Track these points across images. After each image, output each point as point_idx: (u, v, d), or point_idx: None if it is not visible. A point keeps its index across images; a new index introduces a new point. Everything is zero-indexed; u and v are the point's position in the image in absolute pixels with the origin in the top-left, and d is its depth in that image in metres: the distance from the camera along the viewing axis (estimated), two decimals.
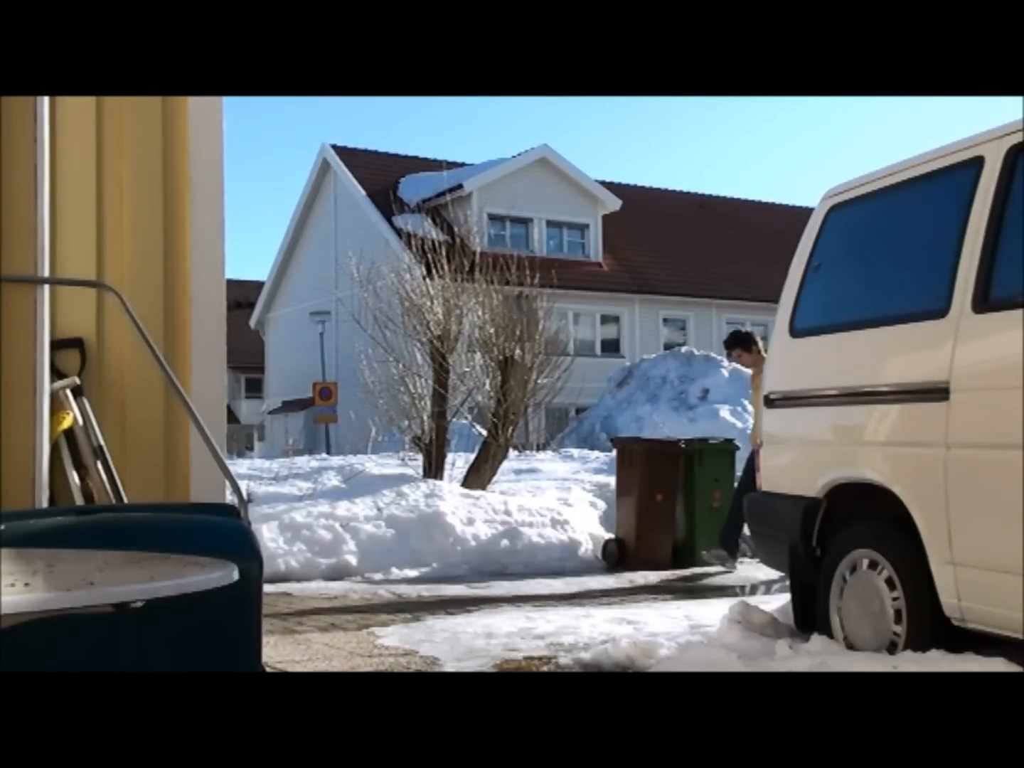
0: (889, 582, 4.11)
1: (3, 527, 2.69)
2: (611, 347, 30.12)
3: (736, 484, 8.29)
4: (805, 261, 4.88)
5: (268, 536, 7.89)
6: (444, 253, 11.42)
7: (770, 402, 4.97)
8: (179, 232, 4.08)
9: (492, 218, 27.29)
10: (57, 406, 3.80)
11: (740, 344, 8.40)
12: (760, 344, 8.38)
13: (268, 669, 4.19)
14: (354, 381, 14.77)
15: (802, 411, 4.77)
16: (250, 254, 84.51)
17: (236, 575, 1.96)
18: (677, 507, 8.74)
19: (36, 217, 3.65)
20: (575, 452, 14.92)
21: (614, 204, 30.69)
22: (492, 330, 10.82)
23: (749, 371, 9.11)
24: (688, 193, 35.59)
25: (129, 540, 2.59)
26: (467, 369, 11.18)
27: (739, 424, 15.15)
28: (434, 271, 11.55)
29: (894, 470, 4.12)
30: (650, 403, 17.43)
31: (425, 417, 10.86)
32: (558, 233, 30.36)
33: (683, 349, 20.05)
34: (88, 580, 1.79)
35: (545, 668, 4.79)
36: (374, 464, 11.75)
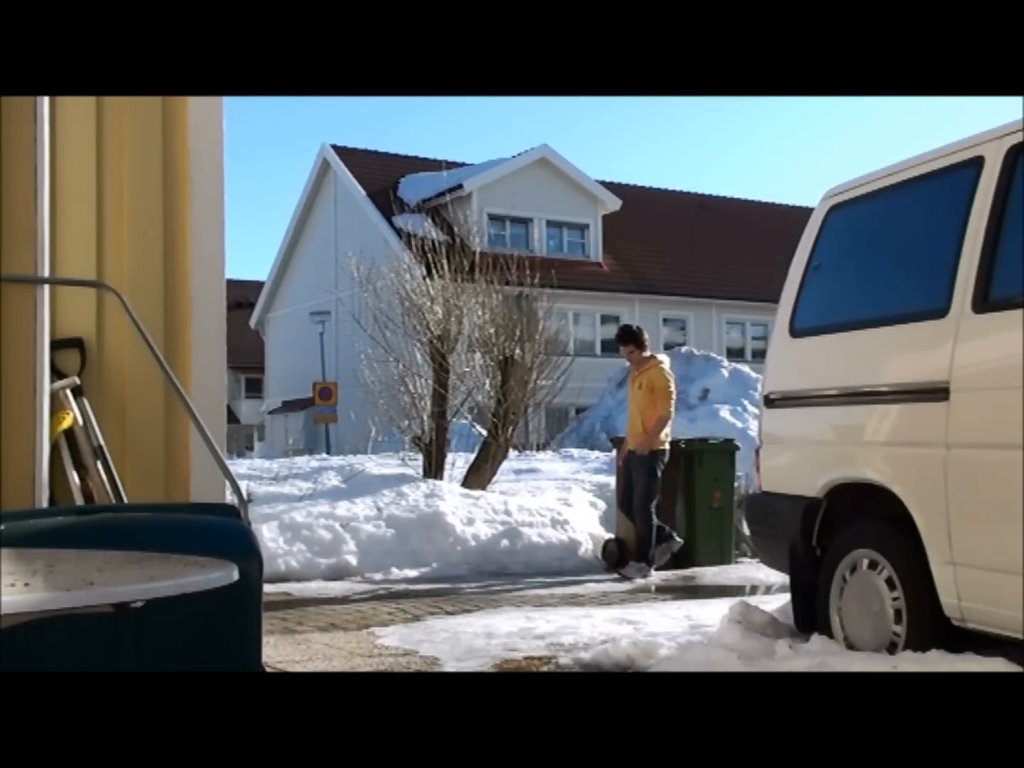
0: (889, 582, 4.11)
1: (3, 527, 2.69)
2: (611, 347, 30.05)
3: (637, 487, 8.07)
4: (805, 261, 4.88)
5: (268, 536, 7.88)
6: (444, 253, 11.41)
7: (770, 402, 4.98)
8: (179, 232, 4.08)
9: (492, 218, 27.26)
10: (57, 406, 3.80)
11: (634, 341, 8.22)
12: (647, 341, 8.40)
13: (268, 669, 4.19)
14: (354, 381, 14.76)
15: (802, 411, 4.77)
16: (250, 254, 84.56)
17: (236, 575, 1.96)
18: (677, 507, 8.74)
19: (36, 217, 3.65)
20: (575, 452, 14.91)
21: (614, 204, 30.68)
22: (492, 330, 10.81)
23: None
24: (688, 193, 35.57)
25: (129, 540, 2.59)
26: (467, 369, 11.18)
27: (739, 424, 15.14)
28: (434, 271, 11.54)
29: (894, 470, 4.12)
30: None
31: (425, 417, 10.86)
32: (558, 233, 30.35)
33: (683, 349, 20.04)
34: (88, 580, 1.79)
35: (545, 668, 4.79)
36: (374, 464, 11.75)
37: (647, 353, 8.31)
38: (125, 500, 3.81)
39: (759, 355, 23.51)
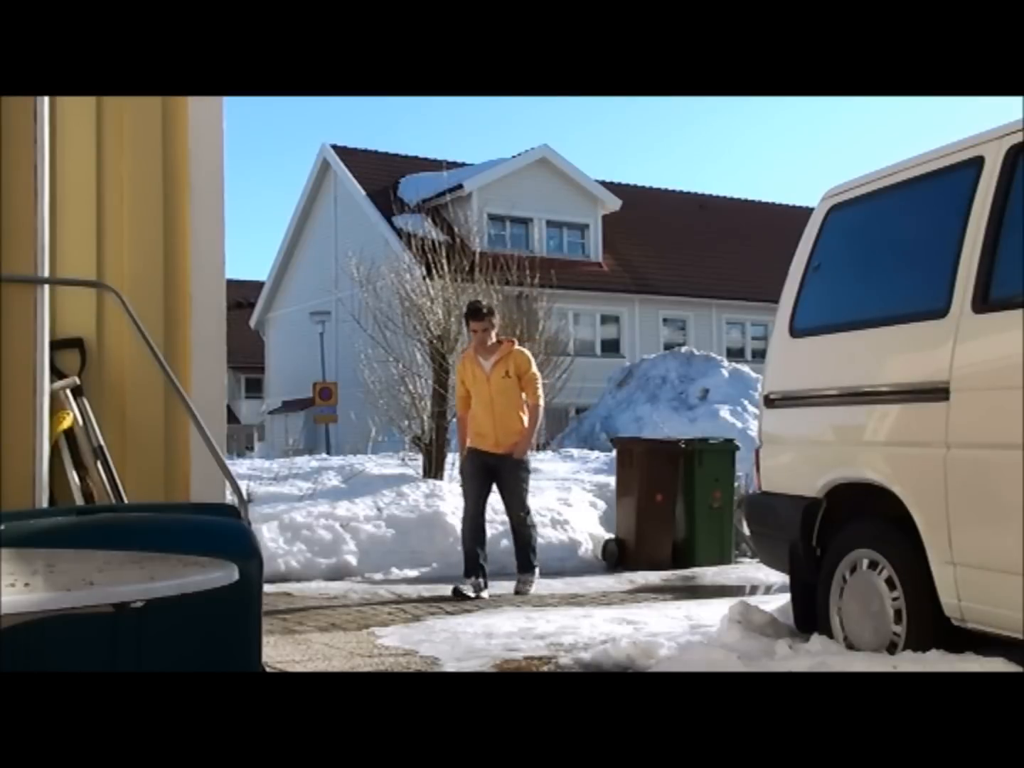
0: (889, 582, 4.11)
1: (3, 527, 2.69)
2: (611, 347, 30.11)
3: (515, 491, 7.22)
4: (805, 261, 4.88)
5: (268, 536, 7.88)
6: (444, 253, 11.43)
7: (770, 402, 4.98)
8: (179, 232, 4.08)
9: (492, 218, 27.25)
10: (57, 406, 3.80)
11: (492, 317, 7.20)
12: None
13: (268, 669, 4.19)
14: (354, 381, 14.78)
15: (802, 411, 4.77)
16: (250, 254, 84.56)
17: (236, 575, 1.96)
18: (677, 507, 8.74)
19: (36, 217, 3.66)
20: (575, 452, 14.88)
21: (614, 204, 30.67)
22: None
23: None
24: (688, 193, 35.55)
25: (129, 540, 2.59)
26: None
27: (739, 424, 15.12)
28: (434, 271, 11.55)
29: (894, 470, 4.12)
30: (650, 403, 17.39)
31: (425, 417, 10.87)
32: (558, 233, 30.33)
33: (683, 349, 20.01)
34: (88, 580, 1.79)
35: (545, 668, 4.79)
36: (374, 464, 11.74)
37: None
38: (125, 500, 3.81)
39: (759, 355, 23.52)
